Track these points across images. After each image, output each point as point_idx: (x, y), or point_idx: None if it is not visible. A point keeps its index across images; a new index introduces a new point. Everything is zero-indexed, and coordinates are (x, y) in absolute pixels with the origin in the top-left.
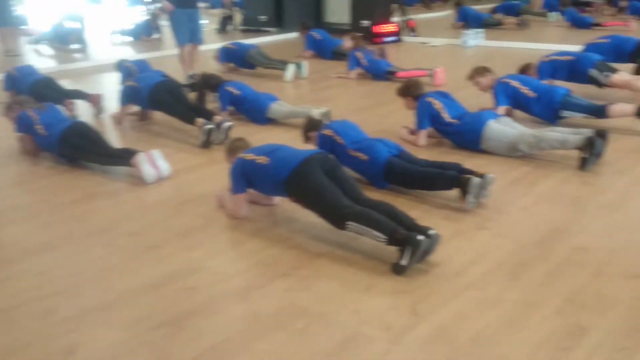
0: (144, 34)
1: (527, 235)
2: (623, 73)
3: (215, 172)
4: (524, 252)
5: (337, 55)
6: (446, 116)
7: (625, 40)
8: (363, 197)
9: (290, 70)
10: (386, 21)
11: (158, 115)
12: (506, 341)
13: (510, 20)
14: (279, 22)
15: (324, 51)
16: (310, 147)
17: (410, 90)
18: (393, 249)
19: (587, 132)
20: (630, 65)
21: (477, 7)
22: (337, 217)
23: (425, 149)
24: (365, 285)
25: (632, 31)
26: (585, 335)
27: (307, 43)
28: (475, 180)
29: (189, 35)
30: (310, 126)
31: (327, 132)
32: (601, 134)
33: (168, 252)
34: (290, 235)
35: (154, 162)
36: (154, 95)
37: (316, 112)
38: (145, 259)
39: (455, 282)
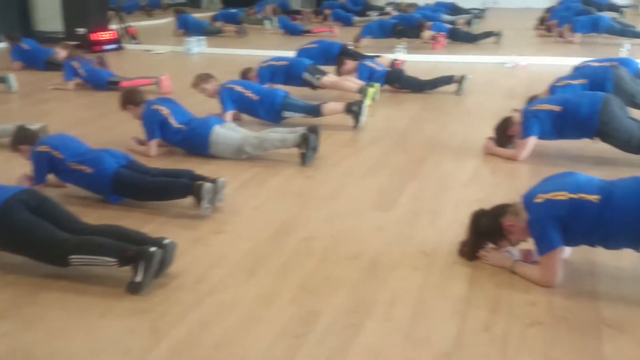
0: None
1: (261, 233)
2: (331, 75)
3: None
4: (259, 249)
5: (52, 65)
6: (173, 122)
7: (331, 45)
8: (83, 226)
9: None
10: (104, 28)
11: None
12: (247, 340)
13: (230, 28)
14: None
15: (35, 62)
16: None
17: (130, 99)
18: (129, 269)
19: (302, 130)
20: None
21: (197, 15)
22: (56, 255)
23: (158, 159)
24: (100, 312)
25: (337, 36)
26: (317, 319)
27: (13, 54)
28: (208, 185)
29: None
30: (21, 138)
31: (42, 148)
32: (313, 130)
33: None
34: (3, 271)
35: None
36: None
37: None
38: None
39: (196, 290)
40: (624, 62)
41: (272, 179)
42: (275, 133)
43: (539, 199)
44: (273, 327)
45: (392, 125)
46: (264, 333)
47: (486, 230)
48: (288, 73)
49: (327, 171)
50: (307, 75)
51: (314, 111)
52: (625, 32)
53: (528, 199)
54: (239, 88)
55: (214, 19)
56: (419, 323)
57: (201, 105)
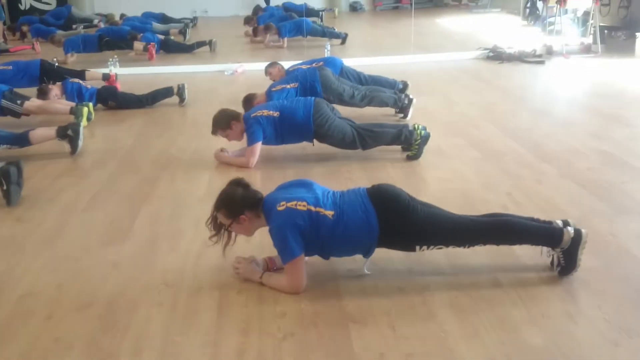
0: None
1: None
2: (34, 99)
3: None
4: None
5: None
6: None
7: (27, 65)
8: None
9: None
10: None
11: None
12: None
13: None
14: None
15: None
16: None
17: None
18: None
19: (1, 163)
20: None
21: None
22: None
23: None
24: None
25: (39, 53)
26: None
27: None
28: None
29: None
30: None
31: None
32: (13, 163)
33: None
34: None
35: None
36: None
37: None
38: None
39: None
40: (330, 60)
41: None
42: None
43: (282, 206)
44: None
45: (115, 145)
46: None
47: (232, 200)
48: None
49: (43, 208)
50: (5, 103)
51: (21, 140)
52: (326, 33)
53: (270, 205)
54: None
55: None
56: None
57: None
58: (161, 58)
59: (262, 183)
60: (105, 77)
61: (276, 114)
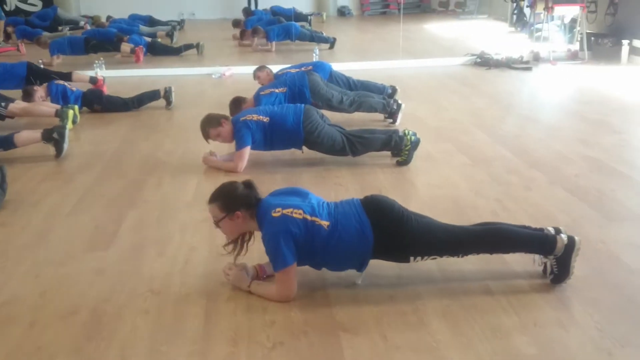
0: None
1: None
2: (18, 101)
3: None
4: None
5: None
6: None
7: (12, 67)
8: None
9: None
10: None
11: None
12: None
13: None
14: None
15: None
16: None
17: None
18: None
19: None
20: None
21: None
22: None
23: None
24: None
25: (24, 54)
26: None
27: None
28: None
29: None
30: None
31: None
32: None
33: None
34: None
35: None
36: None
37: None
38: None
39: None
40: (319, 65)
41: None
42: None
43: (277, 212)
44: None
45: (101, 148)
46: None
47: (231, 193)
48: None
49: (27, 213)
50: None
51: (6, 143)
52: (315, 37)
53: (264, 210)
54: None
55: None
56: None
57: None
58: (148, 60)
59: None
60: (93, 80)
61: (266, 119)
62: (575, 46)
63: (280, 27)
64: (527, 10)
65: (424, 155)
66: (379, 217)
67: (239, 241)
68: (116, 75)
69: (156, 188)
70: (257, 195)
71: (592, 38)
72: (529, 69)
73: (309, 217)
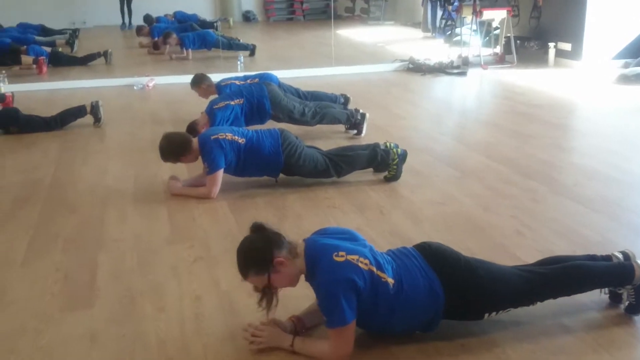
0: None
1: None
2: None
3: None
4: None
5: None
6: None
7: None
8: None
9: None
10: None
11: None
12: None
13: None
14: None
15: None
16: None
17: None
18: None
19: None
20: None
21: None
22: None
23: None
24: None
25: None
26: None
27: None
28: None
29: None
30: None
31: None
32: None
33: None
34: None
35: None
36: None
37: None
38: None
39: None
40: (266, 77)
41: None
42: None
43: (341, 257)
44: None
45: (35, 176)
46: None
47: (255, 254)
48: None
49: None
50: None
51: None
52: (233, 45)
53: (317, 251)
54: None
55: None
56: None
57: None
58: (52, 72)
59: (234, 215)
60: (1, 98)
61: (242, 140)
62: (497, 50)
63: (196, 35)
64: (444, 14)
65: (407, 168)
66: (449, 273)
67: (267, 291)
68: (22, 90)
69: (121, 223)
70: (274, 229)
71: (518, 41)
72: (463, 73)
73: (374, 270)
